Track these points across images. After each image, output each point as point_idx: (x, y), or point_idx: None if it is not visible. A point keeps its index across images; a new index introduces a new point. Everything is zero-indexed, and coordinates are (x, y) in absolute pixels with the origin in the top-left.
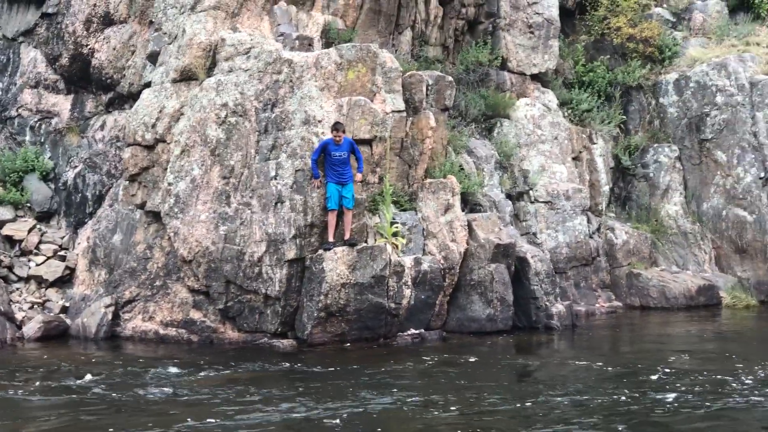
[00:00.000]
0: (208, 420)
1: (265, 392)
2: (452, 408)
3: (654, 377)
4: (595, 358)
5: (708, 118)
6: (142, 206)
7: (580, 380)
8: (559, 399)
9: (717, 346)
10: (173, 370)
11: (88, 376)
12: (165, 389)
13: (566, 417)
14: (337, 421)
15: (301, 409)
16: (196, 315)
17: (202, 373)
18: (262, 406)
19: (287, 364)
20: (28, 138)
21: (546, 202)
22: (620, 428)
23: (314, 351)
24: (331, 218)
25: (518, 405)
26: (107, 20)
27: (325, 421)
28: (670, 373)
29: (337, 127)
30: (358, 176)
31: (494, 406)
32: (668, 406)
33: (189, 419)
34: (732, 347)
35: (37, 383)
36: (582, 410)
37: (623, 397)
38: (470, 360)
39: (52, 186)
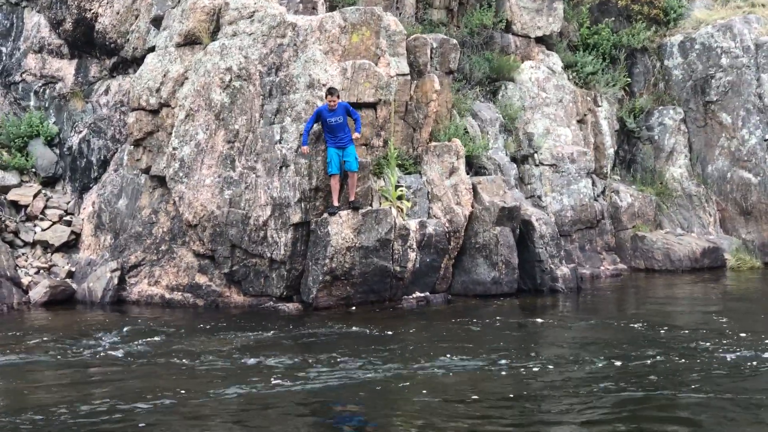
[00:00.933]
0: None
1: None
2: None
3: (660, 337)
4: (602, 319)
5: (713, 80)
6: (147, 171)
7: (594, 341)
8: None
9: (721, 308)
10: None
11: (108, 336)
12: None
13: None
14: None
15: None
16: (201, 279)
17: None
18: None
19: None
20: (32, 103)
21: (551, 165)
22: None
23: (319, 314)
24: (334, 183)
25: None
26: None
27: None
28: (677, 333)
29: (331, 92)
30: (356, 135)
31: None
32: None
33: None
34: (737, 308)
35: (47, 346)
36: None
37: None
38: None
39: (57, 151)
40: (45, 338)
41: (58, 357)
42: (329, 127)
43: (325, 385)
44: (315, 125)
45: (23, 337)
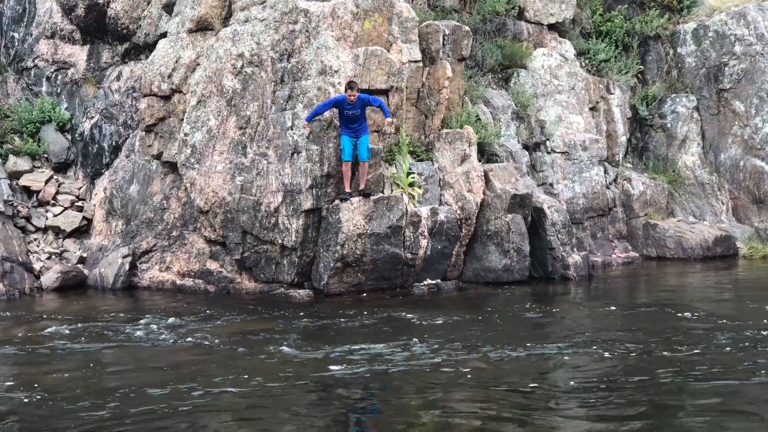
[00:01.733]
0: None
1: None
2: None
3: (679, 321)
4: (615, 306)
5: (726, 68)
6: (158, 157)
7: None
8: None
9: (733, 296)
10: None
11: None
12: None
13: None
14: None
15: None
16: (212, 265)
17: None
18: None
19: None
20: (44, 89)
21: (563, 153)
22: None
23: (331, 301)
24: (346, 169)
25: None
26: None
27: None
28: (694, 319)
29: (351, 86)
30: (388, 120)
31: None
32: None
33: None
34: (749, 296)
35: (58, 332)
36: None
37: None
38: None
39: (69, 137)
40: (57, 323)
41: (70, 342)
42: (346, 117)
43: (354, 372)
44: (327, 112)
45: (33, 322)
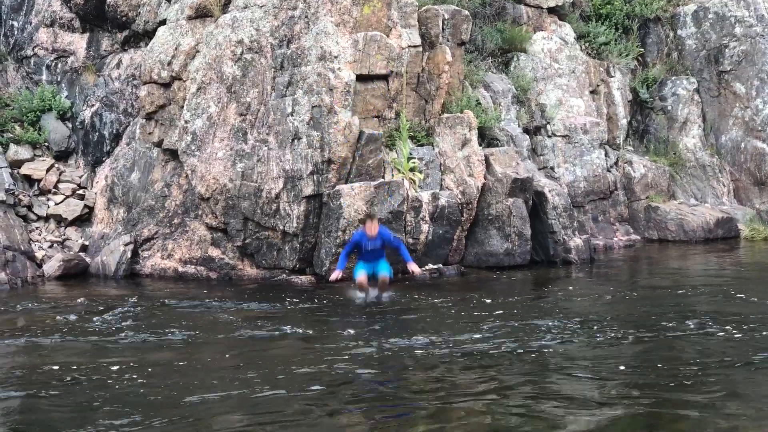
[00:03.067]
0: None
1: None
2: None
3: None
4: (620, 288)
5: (727, 50)
6: (159, 144)
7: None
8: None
9: (735, 278)
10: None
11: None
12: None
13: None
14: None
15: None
16: (214, 252)
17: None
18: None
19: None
20: (44, 77)
21: (563, 136)
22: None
23: (333, 287)
24: (362, 280)
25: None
26: None
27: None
28: (694, 301)
29: (370, 216)
30: (412, 267)
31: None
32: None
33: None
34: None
35: (62, 321)
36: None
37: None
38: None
39: (70, 125)
40: (60, 312)
41: (75, 332)
42: (366, 251)
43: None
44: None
45: (34, 312)
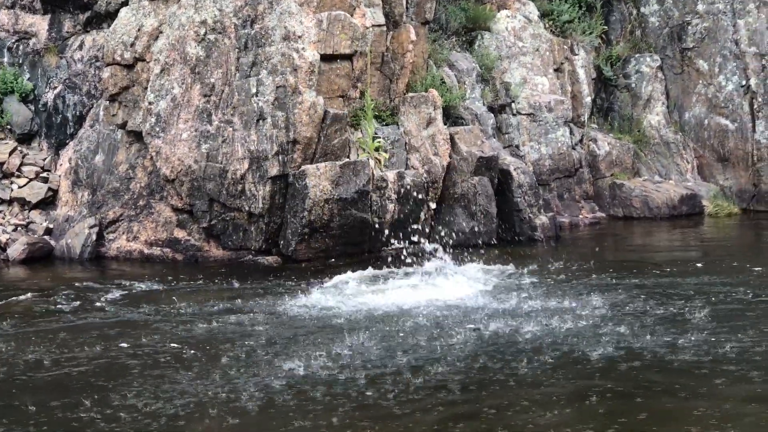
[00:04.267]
0: None
1: None
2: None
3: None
4: (584, 265)
5: (689, 27)
6: (123, 126)
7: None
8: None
9: (698, 253)
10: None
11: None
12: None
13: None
14: None
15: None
16: (180, 234)
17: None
18: None
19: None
20: (6, 59)
21: (528, 114)
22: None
23: (299, 267)
24: None
25: None
26: None
27: None
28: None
29: None
30: None
31: None
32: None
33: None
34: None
35: (31, 304)
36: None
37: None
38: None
39: (32, 107)
40: (29, 296)
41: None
42: None
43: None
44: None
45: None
